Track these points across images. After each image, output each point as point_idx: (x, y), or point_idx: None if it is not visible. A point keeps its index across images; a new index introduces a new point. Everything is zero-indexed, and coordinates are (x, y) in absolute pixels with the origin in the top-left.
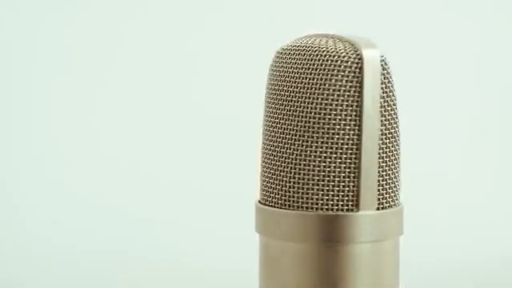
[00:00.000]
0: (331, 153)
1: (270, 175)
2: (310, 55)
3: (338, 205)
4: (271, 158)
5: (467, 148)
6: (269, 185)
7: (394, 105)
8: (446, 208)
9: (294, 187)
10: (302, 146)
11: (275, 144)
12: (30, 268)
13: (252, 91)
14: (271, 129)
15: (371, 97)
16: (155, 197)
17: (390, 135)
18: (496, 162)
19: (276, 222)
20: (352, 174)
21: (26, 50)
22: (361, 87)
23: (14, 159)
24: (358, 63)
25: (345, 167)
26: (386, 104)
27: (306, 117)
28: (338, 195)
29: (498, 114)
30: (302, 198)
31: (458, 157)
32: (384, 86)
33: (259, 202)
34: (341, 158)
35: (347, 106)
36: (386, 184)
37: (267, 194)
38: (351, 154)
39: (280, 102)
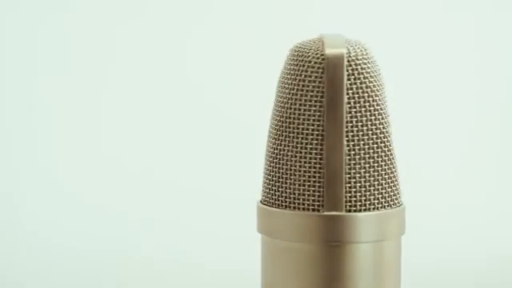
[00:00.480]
0: (308, 153)
1: (271, 175)
2: (292, 55)
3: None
4: (271, 157)
5: (467, 148)
6: (270, 185)
7: (371, 105)
8: (445, 208)
9: (294, 187)
10: (294, 145)
11: (275, 144)
12: (29, 268)
13: (255, 91)
14: (272, 129)
15: (336, 98)
16: (155, 197)
17: (374, 135)
18: (496, 161)
19: (277, 222)
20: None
21: (26, 50)
22: (324, 88)
23: (13, 159)
24: (320, 63)
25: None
26: (357, 104)
27: (283, 116)
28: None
29: (498, 113)
30: (303, 198)
31: (458, 156)
32: (355, 86)
33: (261, 201)
34: (316, 159)
35: (310, 106)
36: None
37: (269, 193)
38: (316, 154)
39: (276, 101)
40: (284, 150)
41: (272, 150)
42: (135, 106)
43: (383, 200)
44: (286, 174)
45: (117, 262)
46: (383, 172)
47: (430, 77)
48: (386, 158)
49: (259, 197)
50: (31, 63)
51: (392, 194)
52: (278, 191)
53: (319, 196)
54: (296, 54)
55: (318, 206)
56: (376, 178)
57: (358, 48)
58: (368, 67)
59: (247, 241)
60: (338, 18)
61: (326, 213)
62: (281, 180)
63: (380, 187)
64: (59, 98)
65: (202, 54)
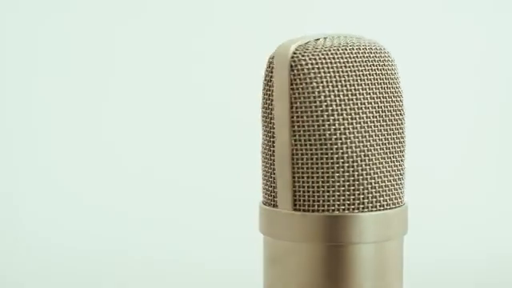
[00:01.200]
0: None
1: (272, 176)
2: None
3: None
4: (266, 158)
5: (468, 148)
6: (272, 186)
7: (324, 105)
8: (446, 208)
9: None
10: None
11: (269, 145)
12: (29, 268)
13: (255, 91)
14: (264, 131)
15: (280, 94)
16: (155, 197)
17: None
18: (496, 162)
19: (279, 223)
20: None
21: (26, 50)
22: (269, 84)
23: (13, 159)
24: (271, 62)
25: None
26: (301, 101)
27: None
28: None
29: (499, 114)
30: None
31: (459, 157)
32: (297, 82)
33: (263, 202)
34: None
35: (265, 105)
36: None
37: (271, 194)
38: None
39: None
40: (272, 151)
41: (265, 151)
42: (135, 107)
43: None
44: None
45: (117, 262)
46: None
47: (430, 77)
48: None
49: (259, 197)
50: (31, 63)
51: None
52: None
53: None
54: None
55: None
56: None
57: (315, 47)
58: (318, 67)
59: (247, 241)
60: (338, 18)
61: (328, 213)
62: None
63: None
64: (59, 98)
65: (202, 55)
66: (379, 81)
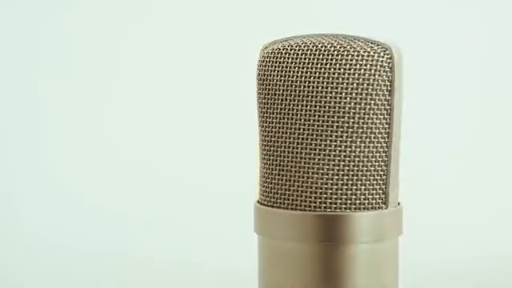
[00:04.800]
0: (345, 150)
1: (268, 175)
2: (326, 54)
3: (336, 204)
4: (270, 158)
5: (467, 148)
6: (267, 185)
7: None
8: (445, 208)
9: (293, 187)
10: (305, 145)
11: (275, 144)
12: (29, 268)
13: (253, 91)
14: (270, 129)
15: (398, 96)
16: (155, 197)
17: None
18: (496, 162)
19: (275, 222)
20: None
21: (26, 50)
22: (391, 86)
23: (13, 159)
24: (389, 63)
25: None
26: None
27: (317, 115)
28: (336, 194)
29: (499, 114)
30: (301, 198)
31: (458, 157)
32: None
33: (258, 202)
34: (349, 157)
35: (380, 104)
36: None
37: (266, 194)
38: (381, 150)
39: (280, 103)
40: (284, 152)
41: (269, 149)
42: (135, 107)
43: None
44: (286, 174)
45: (117, 262)
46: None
47: (430, 77)
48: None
49: (257, 197)
50: (32, 64)
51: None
52: (276, 191)
53: (317, 196)
54: (338, 54)
55: (316, 205)
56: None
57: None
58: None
59: (247, 241)
60: (337, 18)
61: (322, 212)
62: (280, 181)
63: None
64: (59, 98)
65: (201, 55)
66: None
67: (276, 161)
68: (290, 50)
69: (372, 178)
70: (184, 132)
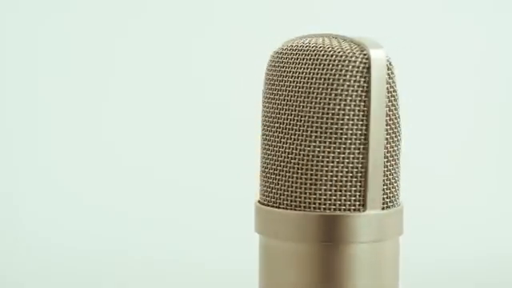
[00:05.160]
0: (334, 153)
1: (269, 175)
2: (315, 55)
3: (336, 204)
4: (271, 158)
5: (467, 148)
6: (268, 185)
7: (398, 105)
8: (446, 208)
9: (293, 187)
10: (305, 146)
11: (276, 144)
12: (29, 268)
13: (253, 91)
14: (272, 129)
15: (377, 97)
16: (155, 197)
17: (394, 135)
18: (496, 161)
19: (275, 222)
20: (358, 174)
21: (26, 50)
22: (368, 87)
23: (13, 159)
24: (365, 63)
25: (349, 168)
26: (390, 104)
27: (309, 117)
28: (335, 195)
29: (499, 114)
30: (302, 198)
31: (459, 157)
32: (389, 86)
33: (259, 202)
34: (343, 159)
35: (355, 105)
36: (390, 184)
37: (267, 194)
38: (358, 153)
39: (282, 103)
40: (307, 152)
41: (270, 150)
42: (135, 107)
43: (382, 201)
44: (287, 174)
45: (117, 262)
46: (394, 172)
47: (431, 77)
48: (397, 158)
49: (257, 197)
50: (32, 64)
51: (391, 194)
52: (276, 191)
53: (317, 197)
54: (324, 54)
55: (315, 205)
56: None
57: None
58: (393, 67)
59: (247, 241)
60: (337, 18)
61: (323, 213)
62: (280, 181)
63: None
64: (59, 98)
65: (202, 55)
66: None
67: (277, 161)
68: (288, 50)
69: (349, 181)
70: (184, 132)
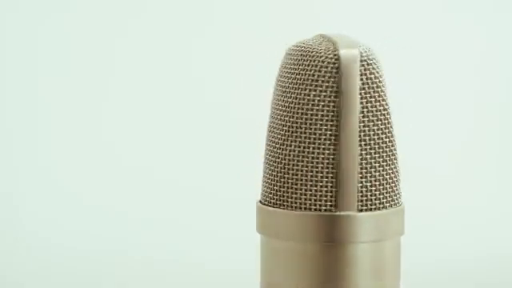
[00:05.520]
0: (310, 154)
1: (270, 175)
2: (300, 55)
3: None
4: (271, 157)
5: (468, 148)
6: (269, 185)
7: (383, 104)
8: (446, 208)
9: (292, 187)
10: (295, 145)
11: (274, 144)
12: (29, 268)
13: (255, 91)
14: (271, 129)
15: (349, 98)
16: (155, 197)
17: (381, 135)
18: (497, 161)
19: (276, 222)
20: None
21: (26, 50)
22: (338, 88)
23: (13, 159)
24: (334, 63)
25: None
26: (369, 104)
27: (292, 116)
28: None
29: (499, 114)
30: (301, 198)
31: (459, 156)
32: (367, 85)
33: (260, 201)
34: (316, 160)
35: (323, 106)
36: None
37: (267, 193)
38: (328, 154)
39: (277, 102)
40: (286, 150)
41: (274, 149)
42: (135, 106)
43: (383, 200)
44: (288, 173)
45: (117, 262)
46: (384, 172)
47: (430, 77)
48: (387, 157)
49: (259, 197)
50: (31, 63)
51: (392, 193)
52: (278, 191)
53: (317, 197)
54: (304, 54)
55: (316, 206)
56: (377, 178)
57: (367, 48)
58: (377, 67)
59: (247, 241)
60: (336, 18)
61: (324, 213)
62: (282, 180)
63: (381, 187)
64: (59, 98)
65: (201, 54)
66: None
67: (278, 160)
68: (289, 50)
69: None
70: (184, 132)
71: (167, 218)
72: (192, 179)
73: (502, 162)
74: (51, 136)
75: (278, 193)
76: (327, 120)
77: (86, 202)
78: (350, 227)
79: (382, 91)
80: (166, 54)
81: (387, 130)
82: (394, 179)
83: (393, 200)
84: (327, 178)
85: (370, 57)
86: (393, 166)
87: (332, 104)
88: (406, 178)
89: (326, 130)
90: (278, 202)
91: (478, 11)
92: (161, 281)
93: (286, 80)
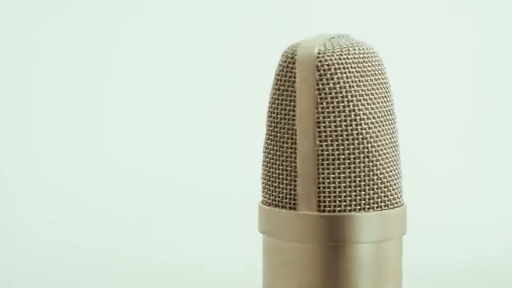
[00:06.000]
0: (289, 152)
1: (270, 176)
2: (281, 58)
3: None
4: (270, 158)
5: (470, 148)
6: (269, 185)
7: (349, 104)
8: (447, 208)
9: (292, 187)
10: (275, 146)
11: (266, 145)
12: (30, 268)
13: (256, 92)
14: (267, 131)
15: (304, 98)
16: (155, 197)
17: (365, 135)
18: (499, 162)
19: (278, 223)
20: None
21: (25, 49)
22: (294, 87)
23: (14, 159)
24: (290, 62)
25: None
26: (332, 104)
27: (271, 116)
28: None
29: (501, 114)
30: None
31: (461, 157)
32: (328, 86)
33: (262, 202)
34: (293, 159)
35: (286, 105)
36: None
37: (269, 194)
38: (291, 153)
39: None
40: (279, 151)
41: (268, 150)
42: (136, 107)
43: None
44: (283, 174)
45: (117, 262)
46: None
47: (432, 77)
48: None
49: (260, 197)
50: (31, 64)
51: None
52: (278, 191)
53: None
54: (282, 55)
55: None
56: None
57: (337, 47)
58: (344, 67)
59: (247, 241)
60: (339, 18)
61: (326, 214)
62: (278, 180)
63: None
64: (59, 98)
65: (202, 55)
66: (380, 81)
67: (278, 161)
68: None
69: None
70: (185, 132)
71: (167, 218)
72: (192, 179)
73: (503, 162)
74: (51, 136)
75: (274, 193)
76: (289, 119)
77: (86, 201)
78: (352, 228)
79: (346, 91)
80: (165, 54)
81: (364, 131)
82: (394, 178)
83: (394, 200)
84: (291, 177)
85: (335, 56)
86: (392, 166)
87: (292, 104)
88: (409, 179)
89: (288, 130)
90: (279, 203)
91: (478, 11)
92: (161, 281)
93: (273, 81)
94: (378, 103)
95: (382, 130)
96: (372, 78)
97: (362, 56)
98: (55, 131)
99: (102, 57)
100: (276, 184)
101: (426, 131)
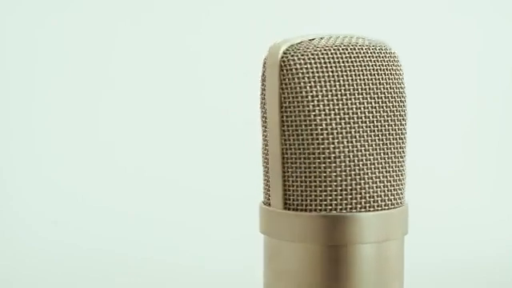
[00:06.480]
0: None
1: (267, 176)
2: None
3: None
4: (265, 158)
5: (470, 148)
6: (265, 186)
7: (324, 103)
8: (447, 208)
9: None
10: (266, 145)
11: (265, 144)
12: (30, 268)
13: (256, 92)
14: (262, 131)
15: (270, 96)
16: (155, 197)
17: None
18: (499, 162)
19: (279, 223)
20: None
21: (25, 50)
22: (264, 84)
23: (14, 160)
24: (264, 64)
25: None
26: (287, 102)
27: (262, 117)
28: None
29: (501, 114)
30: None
31: (462, 158)
32: (286, 82)
33: (263, 203)
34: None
35: (264, 104)
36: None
37: (269, 194)
38: (264, 150)
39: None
40: (266, 150)
41: (263, 150)
42: (136, 107)
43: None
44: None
45: (117, 262)
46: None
47: (433, 77)
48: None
49: (260, 197)
50: (31, 64)
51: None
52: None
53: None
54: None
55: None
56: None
57: (304, 49)
58: (306, 68)
59: (247, 241)
60: (339, 18)
61: (326, 213)
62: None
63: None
64: (59, 98)
65: (202, 55)
66: (379, 81)
67: (265, 161)
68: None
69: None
70: (185, 132)
71: (167, 218)
72: (192, 179)
73: (503, 162)
74: (51, 136)
75: (273, 194)
76: (265, 120)
77: (86, 201)
78: (353, 228)
79: (307, 92)
80: (165, 54)
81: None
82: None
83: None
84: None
85: (295, 58)
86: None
87: (263, 101)
88: (411, 179)
89: (265, 129)
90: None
91: (478, 11)
92: (161, 281)
93: (341, 79)
94: (345, 104)
95: (350, 131)
96: (341, 79)
97: (341, 56)
98: (55, 131)
99: (102, 57)
100: (269, 184)
101: (427, 131)
